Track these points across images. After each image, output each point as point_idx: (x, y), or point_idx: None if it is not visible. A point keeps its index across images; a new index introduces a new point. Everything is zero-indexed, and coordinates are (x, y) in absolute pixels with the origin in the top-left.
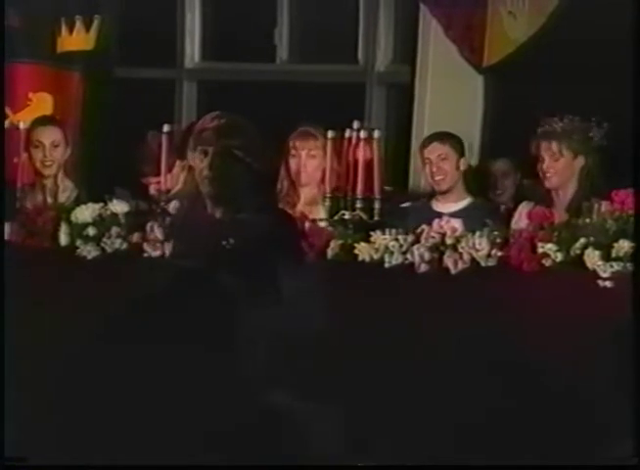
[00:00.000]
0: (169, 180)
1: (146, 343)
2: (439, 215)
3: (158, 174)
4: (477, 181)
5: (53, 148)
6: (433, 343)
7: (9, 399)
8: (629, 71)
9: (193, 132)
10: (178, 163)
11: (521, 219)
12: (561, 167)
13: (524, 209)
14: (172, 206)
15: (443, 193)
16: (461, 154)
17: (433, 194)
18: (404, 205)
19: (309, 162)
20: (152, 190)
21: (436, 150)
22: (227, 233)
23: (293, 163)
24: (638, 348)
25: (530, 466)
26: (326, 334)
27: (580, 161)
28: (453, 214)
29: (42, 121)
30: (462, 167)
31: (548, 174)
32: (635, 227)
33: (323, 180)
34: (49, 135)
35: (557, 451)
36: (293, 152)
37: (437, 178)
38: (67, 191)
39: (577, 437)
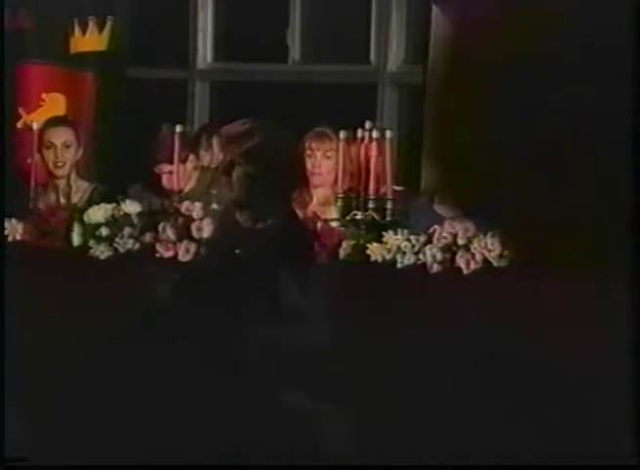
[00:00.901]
0: (182, 180)
1: (158, 344)
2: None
3: (170, 172)
4: None
5: (65, 149)
6: (444, 343)
7: (11, 399)
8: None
9: (207, 132)
10: (192, 158)
11: None
12: None
13: None
14: (185, 206)
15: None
16: None
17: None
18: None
19: (324, 162)
20: (164, 181)
21: None
22: (245, 238)
23: (308, 163)
24: (638, 348)
25: (531, 466)
26: (338, 335)
27: None
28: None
29: (54, 122)
30: None
31: None
32: (635, 227)
33: (336, 180)
34: (60, 136)
35: (557, 451)
36: (308, 152)
37: None
38: (79, 191)
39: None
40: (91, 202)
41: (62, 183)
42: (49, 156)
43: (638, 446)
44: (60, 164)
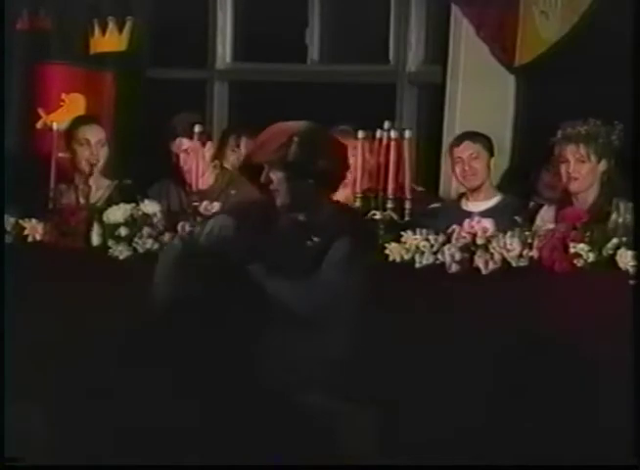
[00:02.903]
0: (200, 178)
1: (173, 344)
2: (469, 215)
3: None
4: (506, 180)
5: (100, 147)
6: (463, 343)
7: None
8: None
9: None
10: (212, 156)
11: (543, 221)
12: (585, 171)
13: (545, 213)
14: (204, 206)
15: (473, 191)
16: (491, 153)
17: (462, 194)
18: (434, 205)
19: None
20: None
21: (468, 149)
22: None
23: None
24: (638, 347)
25: (530, 466)
26: (358, 335)
27: (603, 164)
28: (484, 213)
29: (86, 120)
30: (492, 167)
31: (573, 177)
32: (635, 229)
33: (355, 180)
34: (96, 133)
35: (556, 451)
36: None
37: (469, 177)
38: (99, 191)
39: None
40: (110, 201)
41: (81, 183)
42: (83, 153)
43: (638, 446)
44: (94, 161)
